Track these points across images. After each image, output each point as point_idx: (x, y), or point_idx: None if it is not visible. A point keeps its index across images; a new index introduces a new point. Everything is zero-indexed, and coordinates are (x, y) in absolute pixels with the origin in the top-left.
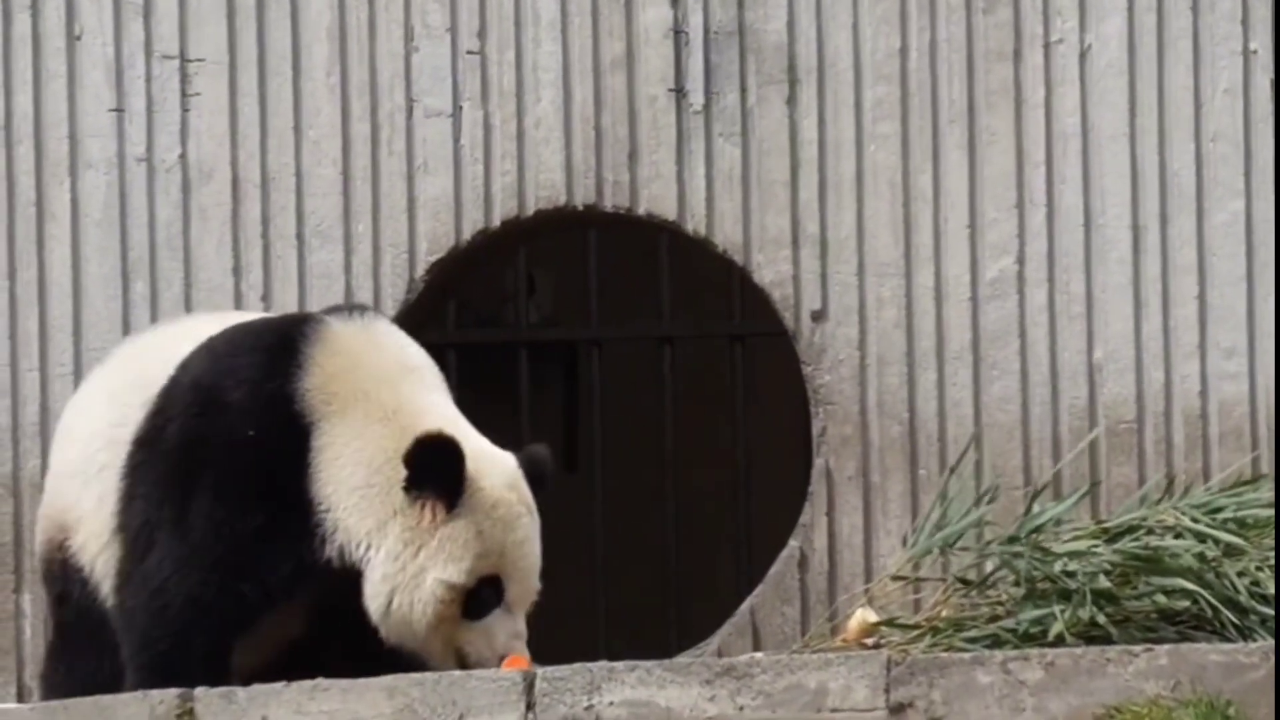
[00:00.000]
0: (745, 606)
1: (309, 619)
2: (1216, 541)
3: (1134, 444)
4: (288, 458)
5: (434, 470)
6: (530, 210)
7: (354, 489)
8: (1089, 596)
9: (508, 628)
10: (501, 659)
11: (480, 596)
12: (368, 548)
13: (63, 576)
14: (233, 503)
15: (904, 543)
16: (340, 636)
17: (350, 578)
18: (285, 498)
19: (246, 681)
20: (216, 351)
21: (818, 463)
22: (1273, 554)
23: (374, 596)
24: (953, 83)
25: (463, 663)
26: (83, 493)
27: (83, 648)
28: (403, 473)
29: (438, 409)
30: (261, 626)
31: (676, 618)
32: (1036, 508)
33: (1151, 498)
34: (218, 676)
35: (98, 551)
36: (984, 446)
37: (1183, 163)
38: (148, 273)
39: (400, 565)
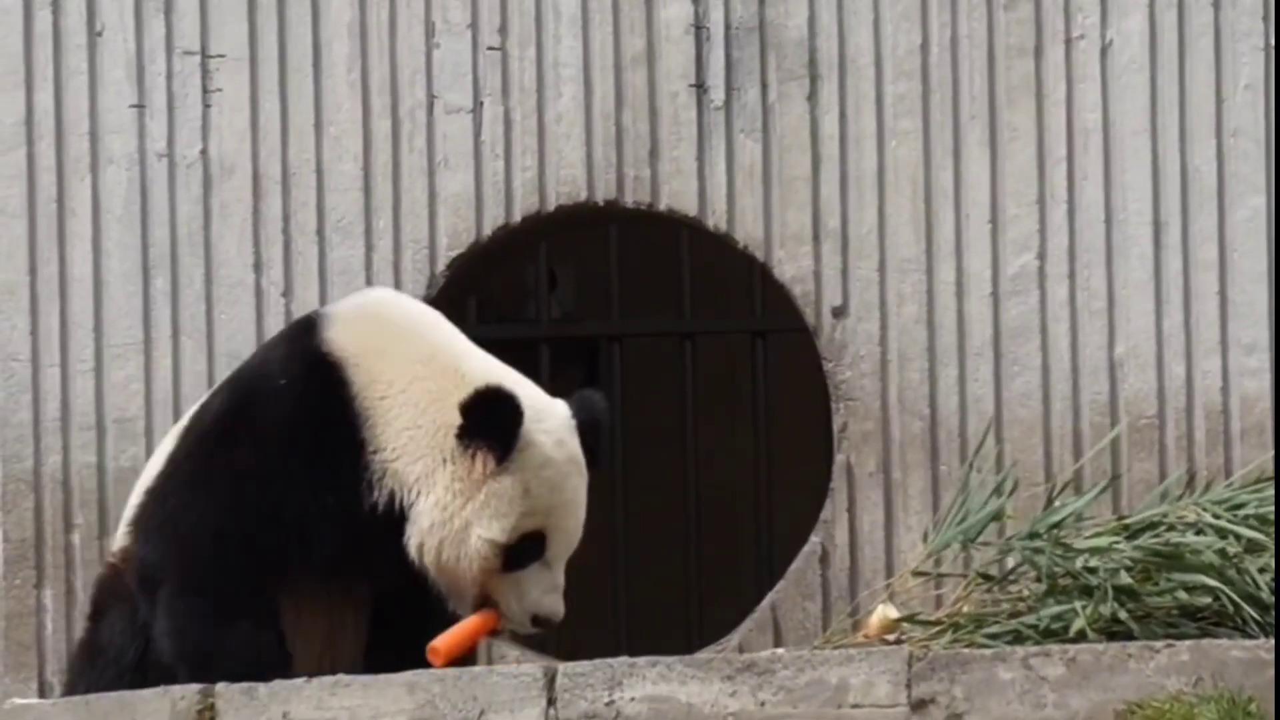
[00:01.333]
0: (766, 602)
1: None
2: (1238, 537)
3: (1155, 439)
4: (327, 402)
5: (491, 423)
6: (551, 206)
7: (402, 430)
8: (1110, 592)
9: (543, 582)
10: (532, 616)
11: (521, 550)
12: (417, 494)
13: (111, 592)
14: (265, 451)
15: (924, 538)
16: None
17: (395, 525)
18: (328, 443)
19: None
20: (240, 364)
21: (839, 458)
22: None
23: (423, 547)
24: (974, 79)
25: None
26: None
27: (111, 686)
28: (451, 416)
29: (477, 353)
30: (305, 590)
31: (698, 613)
32: (1057, 503)
33: (1173, 493)
34: (260, 611)
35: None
36: (1005, 442)
37: (1204, 159)
38: (169, 269)
39: (448, 516)
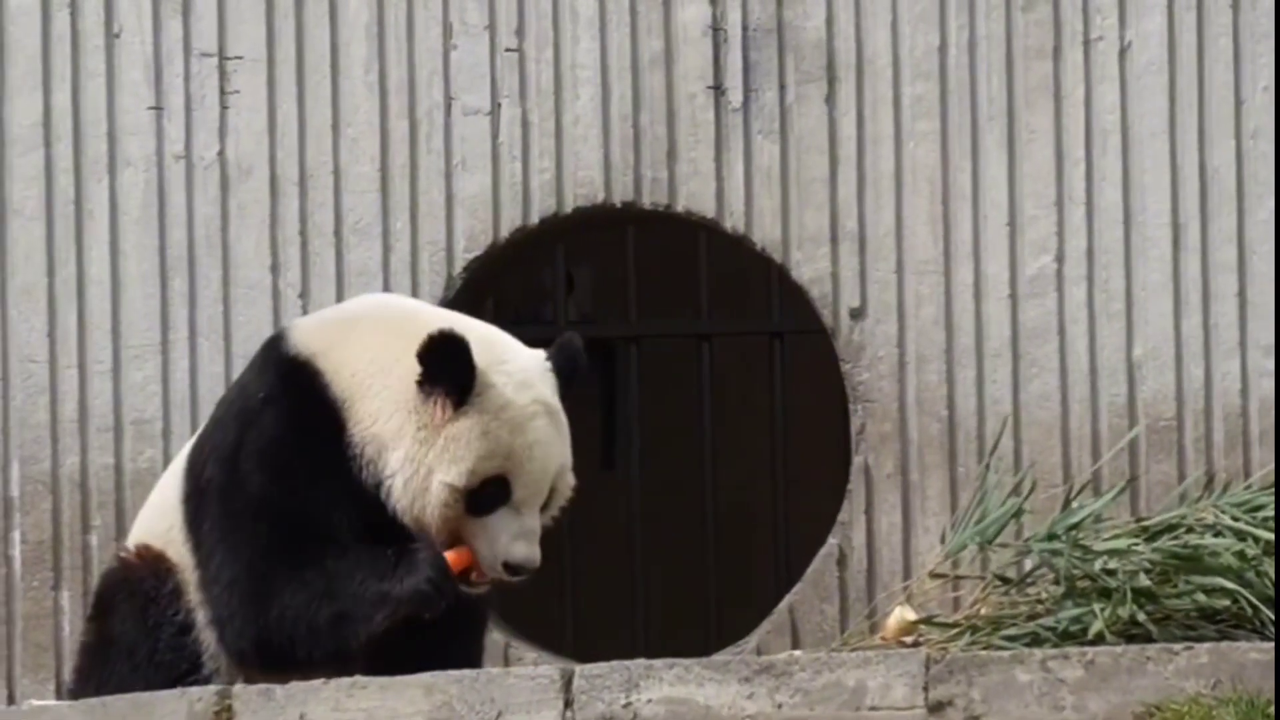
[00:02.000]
0: (784, 604)
1: None
2: (1256, 540)
3: (1174, 441)
4: (306, 401)
5: (443, 367)
6: (568, 208)
7: (374, 396)
8: (1129, 595)
9: (511, 527)
10: (504, 564)
11: (484, 494)
12: (391, 451)
13: (120, 587)
14: (271, 472)
15: (941, 539)
16: None
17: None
18: (319, 438)
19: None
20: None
21: (856, 460)
22: None
23: (399, 502)
24: (992, 80)
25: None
26: (166, 550)
27: (125, 681)
28: (413, 368)
29: (438, 311)
30: None
31: (715, 615)
32: (1075, 504)
33: (1191, 495)
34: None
35: (196, 602)
36: (1023, 444)
37: (1223, 160)
38: (186, 270)
39: (415, 466)
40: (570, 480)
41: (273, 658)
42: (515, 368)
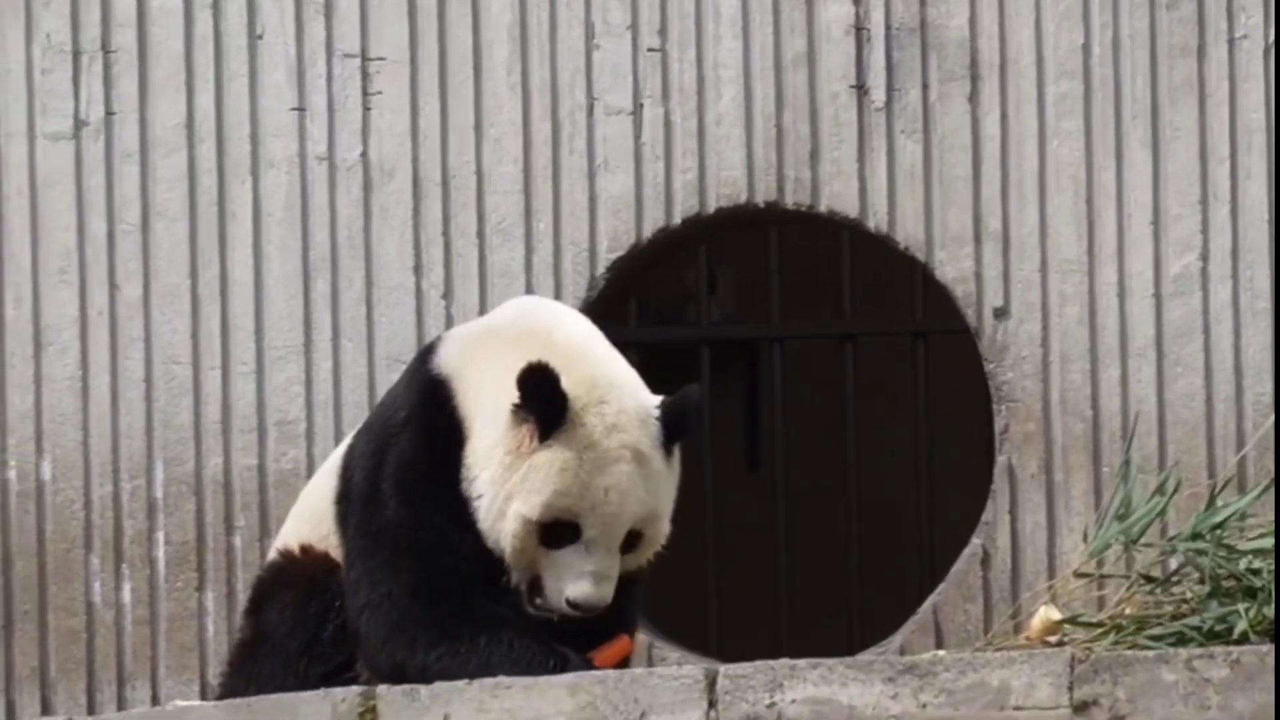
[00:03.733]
0: (928, 604)
1: None
2: None
3: None
4: (440, 423)
5: (534, 397)
6: (711, 208)
7: (484, 412)
8: (1274, 594)
9: (576, 566)
10: (567, 600)
11: (556, 529)
12: (483, 470)
13: (278, 579)
14: (410, 496)
15: (1084, 538)
16: None
17: None
18: (449, 460)
19: None
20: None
21: (1000, 460)
22: None
23: (483, 526)
24: (1136, 78)
25: (535, 588)
26: (329, 551)
27: (275, 674)
28: (515, 396)
29: (573, 332)
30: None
31: (859, 615)
32: (1219, 503)
33: None
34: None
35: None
36: (1167, 443)
37: None
38: (329, 271)
39: (496, 489)
40: (664, 529)
41: (405, 682)
42: (612, 410)
